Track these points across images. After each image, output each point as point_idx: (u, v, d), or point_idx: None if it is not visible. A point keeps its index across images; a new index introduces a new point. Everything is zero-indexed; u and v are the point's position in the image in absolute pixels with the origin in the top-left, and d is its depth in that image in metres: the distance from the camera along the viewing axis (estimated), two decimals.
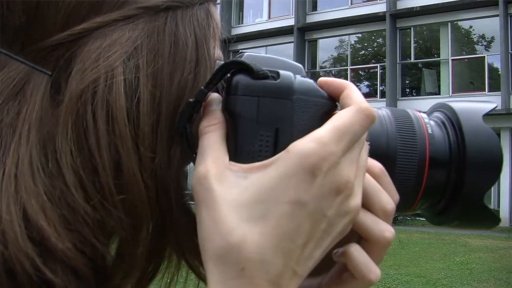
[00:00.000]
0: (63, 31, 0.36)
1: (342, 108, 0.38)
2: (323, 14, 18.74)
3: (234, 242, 0.33)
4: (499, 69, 15.53)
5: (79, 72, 0.36)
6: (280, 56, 0.41)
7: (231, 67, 0.38)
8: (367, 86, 18.89)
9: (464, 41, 17.67)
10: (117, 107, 0.36)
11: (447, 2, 15.84)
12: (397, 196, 0.43)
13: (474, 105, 0.49)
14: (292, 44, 18.45)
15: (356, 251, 0.39)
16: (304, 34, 18.84)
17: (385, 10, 16.99)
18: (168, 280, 0.44)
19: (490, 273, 7.62)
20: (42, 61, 0.36)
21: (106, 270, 0.37)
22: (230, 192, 0.34)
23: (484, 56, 16.47)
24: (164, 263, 0.42)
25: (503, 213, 14.91)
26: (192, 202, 0.39)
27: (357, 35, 18.93)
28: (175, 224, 0.39)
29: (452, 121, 0.48)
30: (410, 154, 0.45)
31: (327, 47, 19.28)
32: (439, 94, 16.71)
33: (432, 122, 0.48)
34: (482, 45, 17.39)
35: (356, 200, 0.37)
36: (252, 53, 0.41)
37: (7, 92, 0.35)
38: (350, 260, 0.39)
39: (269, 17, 20.09)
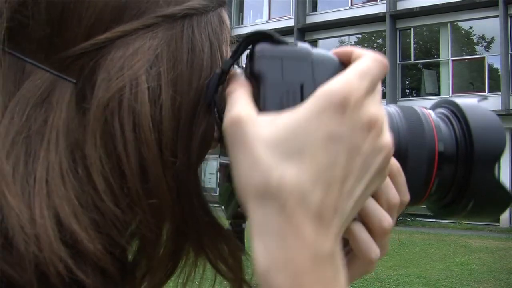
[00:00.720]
0: (87, 40, 0.37)
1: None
2: (323, 15, 18.76)
3: (273, 180, 0.33)
4: (499, 70, 15.53)
5: (104, 81, 0.37)
6: None
7: (254, 38, 0.40)
8: None
9: (464, 41, 17.68)
10: (142, 115, 0.37)
11: (447, 3, 15.85)
12: (407, 197, 0.44)
13: (476, 101, 0.51)
14: None
15: (359, 229, 0.41)
16: (304, 35, 18.85)
17: (385, 10, 17.00)
18: (185, 277, 0.45)
19: (490, 274, 7.62)
20: (66, 70, 0.37)
21: (131, 269, 0.39)
22: (264, 131, 0.34)
23: (484, 57, 16.48)
24: (182, 261, 0.44)
25: (503, 213, 14.90)
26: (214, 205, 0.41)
27: (357, 35, 18.94)
28: (196, 224, 0.41)
29: (458, 116, 0.49)
30: (421, 149, 0.47)
31: (327, 47, 18.77)
32: (439, 94, 16.71)
33: (437, 118, 0.50)
34: (482, 45, 17.41)
35: (387, 137, 0.38)
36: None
37: (34, 100, 0.36)
38: (353, 236, 0.41)
39: (269, 18, 20.11)
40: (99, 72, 0.37)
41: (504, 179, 14.95)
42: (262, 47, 0.39)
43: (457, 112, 0.50)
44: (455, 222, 14.63)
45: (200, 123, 0.40)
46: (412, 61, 17.71)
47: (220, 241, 0.43)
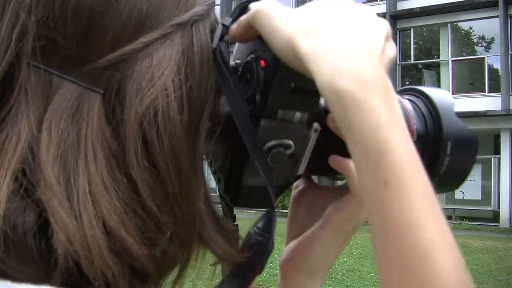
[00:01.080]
0: (112, 51, 0.38)
1: None
2: None
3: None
4: (499, 70, 15.54)
5: (137, 92, 0.38)
6: None
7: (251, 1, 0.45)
8: None
9: (464, 42, 17.70)
10: (175, 123, 0.39)
11: (447, 3, 15.86)
12: None
13: (441, 92, 0.55)
14: None
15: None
16: None
17: (385, 11, 17.00)
18: (196, 272, 0.46)
19: (490, 274, 7.63)
20: (94, 81, 0.38)
21: (165, 270, 0.41)
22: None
23: (484, 57, 16.49)
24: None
25: (503, 214, 14.92)
26: None
27: None
28: (212, 219, 0.44)
29: (424, 101, 0.53)
30: None
31: None
32: None
33: (407, 101, 0.53)
34: (482, 46, 17.43)
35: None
36: None
37: (65, 113, 0.37)
38: (348, 169, 0.49)
39: None
40: (128, 83, 0.38)
41: (504, 180, 14.97)
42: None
43: (423, 98, 0.53)
44: (455, 222, 14.64)
45: (205, 120, 0.42)
46: (412, 61, 17.73)
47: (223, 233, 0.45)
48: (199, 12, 0.43)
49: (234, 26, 0.45)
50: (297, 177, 0.50)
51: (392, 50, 0.42)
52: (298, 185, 0.59)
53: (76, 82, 0.38)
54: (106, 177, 0.37)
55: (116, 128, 0.38)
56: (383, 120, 0.36)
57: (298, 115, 0.45)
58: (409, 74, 18.27)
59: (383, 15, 16.82)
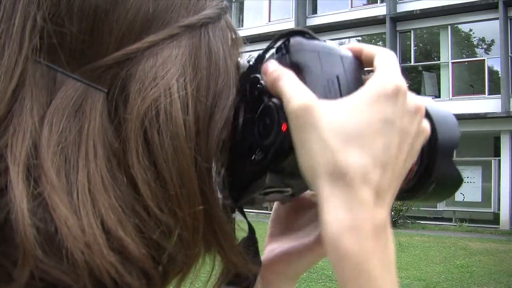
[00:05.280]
0: (118, 50, 0.38)
1: (370, 59, 0.45)
2: (323, 17, 18.80)
3: (340, 161, 0.38)
4: (499, 72, 15.56)
5: (139, 91, 0.38)
6: None
7: (288, 35, 0.45)
8: None
9: (464, 44, 17.72)
10: (178, 123, 0.39)
11: (447, 5, 15.87)
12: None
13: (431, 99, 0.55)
14: None
15: None
16: None
17: (385, 13, 17.03)
18: (194, 274, 0.46)
19: (490, 277, 7.62)
20: (98, 79, 0.38)
21: (168, 271, 0.41)
22: (331, 117, 0.39)
23: (484, 59, 16.51)
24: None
25: (503, 216, 14.90)
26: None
27: (357, 38, 18.96)
28: (218, 225, 0.43)
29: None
30: None
31: None
32: (439, 97, 16.72)
33: None
34: (482, 48, 17.44)
35: (426, 123, 0.44)
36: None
37: (68, 110, 0.37)
38: None
39: (269, 20, 20.14)
40: (131, 82, 0.38)
41: (504, 182, 14.96)
42: (299, 41, 0.44)
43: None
44: (455, 224, 14.63)
45: (215, 125, 0.42)
46: (412, 63, 17.74)
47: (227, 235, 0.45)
48: (209, 15, 0.43)
49: (266, 70, 0.44)
50: None
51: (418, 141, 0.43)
52: None
53: (80, 80, 0.37)
54: (105, 176, 0.36)
55: (118, 127, 0.38)
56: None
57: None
58: (409, 76, 18.26)
59: (383, 17, 16.87)
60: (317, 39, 0.45)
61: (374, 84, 0.41)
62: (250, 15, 21.28)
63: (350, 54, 0.46)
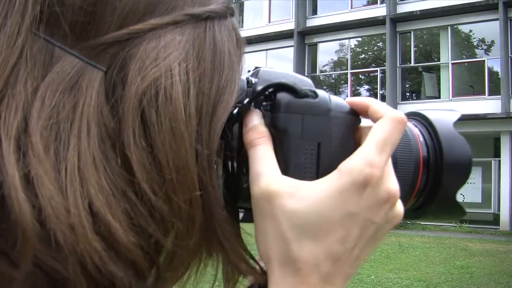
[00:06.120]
0: (120, 29, 0.37)
1: (374, 121, 0.44)
2: (323, 18, 18.78)
3: (293, 251, 0.40)
4: (499, 73, 15.55)
5: (139, 70, 0.37)
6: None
7: (275, 88, 0.43)
8: (367, 90, 18.93)
9: (464, 45, 17.71)
10: (177, 106, 0.38)
11: (447, 6, 15.87)
12: None
13: (444, 114, 0.54)
14: (292, 48, 18.49)
15: None
16: (304, 38, 18.87)
17: (385, 14, 17.02)
18: (197, 274, 0.45)
19: (490, 277, 7.61)
20: (97, 57, 0.37)
21: (159, 263, 0.39)
22: (290, 208, 0.40)
23: (484, 60, 16.50)
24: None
25: (503, 216, 14.90)
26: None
27: (357, 39, 18.96)
28: (218, 223, 0.41)
29: (428, 128, 0.53)
30: (408, 159, 0.50)
31: (327, 51, 19.31)
32: (439, 98, 16.74)
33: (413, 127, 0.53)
34: (482, 49, 17.42)
35: (400, 208, 0.43)
36: (267, 69, 0.47)
37: (63, 85, 0.35)
38: None
39: (269, 21, 20.13)
40: (131, 62, 0.37)
41: (504, 183, 14.95)
42: (285, 100, 0.42)
43: (427, 125, 0.54)
44: (455, 225, 14.62)
45: (218, 119, 0.41)
46: (412, 64, 17.73)
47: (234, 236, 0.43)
48: (214, 10, 0.42)
49: (246, 124, 0.44)
50: None
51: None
52: None
53: (78, 56, 0.37)
54: (97, 155, 0.35)
55: (114, 106, 0.37)
56: None
57: None
58: (409, 77, 18.27)
59: (383, 18, 16.88)
60: (307, 95, 0.43)
61: (344, 172, 0.40)
62: (250, 15, 21.27)
63: (344, 111, 0.44)
